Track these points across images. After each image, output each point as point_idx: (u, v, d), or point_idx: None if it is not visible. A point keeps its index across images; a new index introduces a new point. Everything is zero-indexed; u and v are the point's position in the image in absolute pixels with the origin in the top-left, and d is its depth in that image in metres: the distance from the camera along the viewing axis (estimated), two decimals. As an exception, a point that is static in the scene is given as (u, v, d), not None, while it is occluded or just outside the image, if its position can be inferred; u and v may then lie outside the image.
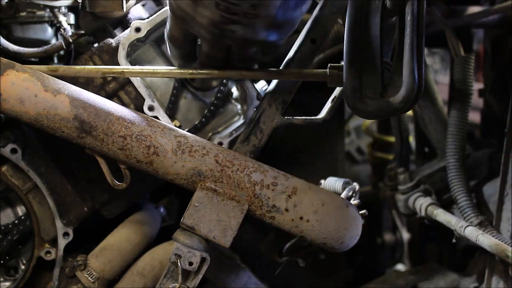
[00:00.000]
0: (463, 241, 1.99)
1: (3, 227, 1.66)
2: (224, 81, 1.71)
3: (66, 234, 1.64)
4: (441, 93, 2.09)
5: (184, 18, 1.33)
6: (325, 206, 1.47)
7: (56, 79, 1.46)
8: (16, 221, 1.68)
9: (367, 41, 1.35)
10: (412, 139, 2.46)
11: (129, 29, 1.61)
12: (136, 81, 1.62)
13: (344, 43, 1.37)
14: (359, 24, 1.35)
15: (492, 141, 2.15)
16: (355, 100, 1.34)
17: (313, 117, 1.59)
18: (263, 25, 1.29)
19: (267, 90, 1.61)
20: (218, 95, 1.70)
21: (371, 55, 1.35)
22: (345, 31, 1.36)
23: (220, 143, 1.61)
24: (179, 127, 1.62)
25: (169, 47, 1.53)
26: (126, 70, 1.53)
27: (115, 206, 1.72)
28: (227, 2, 1.20)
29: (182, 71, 1.50)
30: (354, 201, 1.57)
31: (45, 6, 1.67)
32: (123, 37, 1.61)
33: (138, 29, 1.60)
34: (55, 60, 1.76)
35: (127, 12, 1.69)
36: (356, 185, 1.64)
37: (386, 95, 1.33)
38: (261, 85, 1.77)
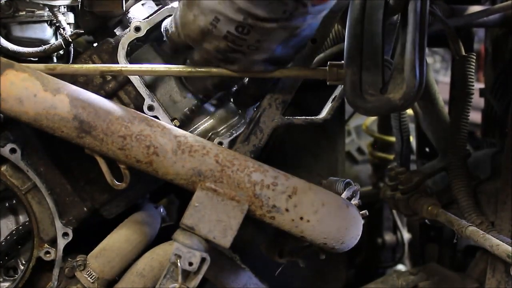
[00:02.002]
0: (464, 241, 1.98)
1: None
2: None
3: (65, 234, 1.64)
4: (442, 92, 2.09)
5: (187, 43, 1.45)
6: (326, 206, 1.46)
7: (56, 78, 1.46)
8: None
9: (369, 38, 1.35)
10: (412, 139, 2.46)
11: (128, 28, 1.61)
12: (136, 80, 1.61)
13: (345, 39, 1.37)
14: (361, 20, 1.35)
15: (493, 141, 2.15)
16: (355, 96, 1.35)
17: (313, 117, 1.59)
18: (262, 57, 1.42)
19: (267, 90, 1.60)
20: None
21: (372, 52, 1.35)
22: (347, 27, 1.37)
23: (220, 143, 1.61)
24: (179, 127, 1.61)
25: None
26: (125, 69, 1.53)
27: (115, 206, 1.72)
28: (235, 36, 1.35)
29: (180, 69, 1.50)
30: (354, 201, 1.57)
31: (45, 6, 1.66)
32: (123, 36, 1.61)
33: (137, 29, 1.59)
34: (55, 60, 1.75)
35: (127, 12, 1.68)
36: (356, 186, 1.63)
37: (387, 92, 1.33)
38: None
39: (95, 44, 1.70)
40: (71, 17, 1.72)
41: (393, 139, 2.63)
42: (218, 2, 1.32)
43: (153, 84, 1.65)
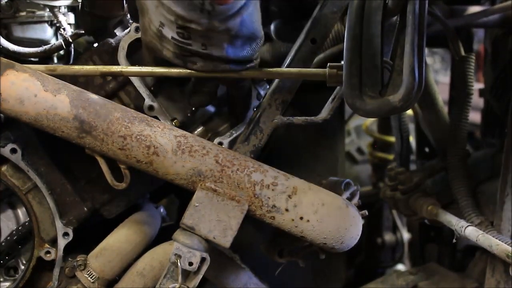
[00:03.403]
0: (464, 241, 1.98)
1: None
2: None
3: (66, 234, 1.64)
4: (442, 93, 2.09)
5: (154, 51, 1.47)
6: (325, 206, 1.47)
7: (56, 79, 1.46)
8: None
9: (368, 40, 1.35)
10: (412, 139, 2.46)
11: (129, 29, 1.61)
12: (136, 81, 1.61)
13: (345, 41, 1.38)
14: (360, 22, 1.35)
15: (492, 141, 2.15)
16: (354, 98, 1.35)
17: (313, 117, 1.59)
18: (219, 59, 1.43)
19: (267, 90, 1.61)
20: None
21: (371, 54, 1.35)
22: (346, 29, 1.37)
23: (220, 143, 1.61)
24: (179, 127, 1.62)
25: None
26: (125, 70, 1.53)
27: (115, 206, 1.72)
28: (181, 42, 1.39)
29: (180, 70, 1.50)
30: (354, 201, 1.57)
31: (45, 6, 1.67)
32: (123, 37, 1.61)
33: (138, 29, 1.60)
34: (55, 60, 1.76)
35: (127, 12, 1.69)
36: (356, 186, 1.64)
37: (386, 94, 1.33)
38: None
39: (95, 45, 1.70)
40: (71, 18, 1.72)
41: (393, 139, 2.63)
42: (156, 5, 1.36)
43: (153, 84, 1.65)
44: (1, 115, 1.63)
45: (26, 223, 1.66)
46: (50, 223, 1.65)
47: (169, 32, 1.38)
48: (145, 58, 1.54)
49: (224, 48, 1.40)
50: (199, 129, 1.68)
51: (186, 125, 1.66)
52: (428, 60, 3.12)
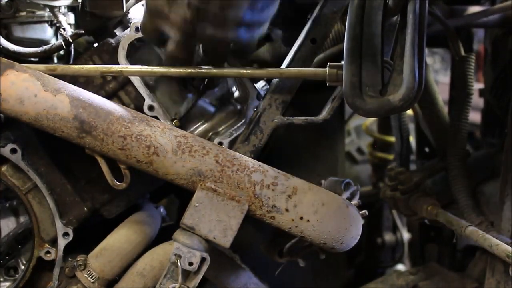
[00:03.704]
0: (464, 241, 1.98)
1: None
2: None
3: (66, 234, 1.64)
4: (442, 93, 2.09)
5: (159, 15, 1.42)
6: (325, 206, 1.47)
7: (56, 79, 1.46)
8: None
9: (368, 39, 1.36)
10: (412, 139, 2.46)
11: (129, 28, 1.61)
12: (136, 80, 1.61)
13: (345, 40, 1.38)
14: (360, 22, 1.36)
15: (492, 141, 2.15)
16: (354, 97, 1.35)
17: (313, 117, 1.59)
18: (232, 25, 1.38)
19: (267, 90, 1.61)
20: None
21: (371, 53, 1.36)
22: (346, 29, 1.38)
23: (220, 143, 1.61)
24: (179, 127, 1.62)
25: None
26: (125, 69, 1.54)
27: (115, 206, 1.72)
28: (197, 5, 1.33)
29: (180, 70, 1.50)
30: (354, 201, 1.57)
31: (45, 6, 1.67)
32: (123, 36, 1.61)
33: (138, 29, 1.60)
34: (55, 60, 1.75)
35: (127, 12, 1.69)
36: (356, 186, 1.64)
37: (386, 93, 1.34)
38: (261, 85, 1.78)
39: (95, 45, 1.70)
40: (71, 18, 1.72)
41: (393, 139, 2.63)
42: None
43: (153, 84, 1.65)
44: (1, 115, 1.63)
45: (28, 222, 1.66)
46: (50, 223, 1.65)
47: None
48: (146, 28, 1.52)
49: (243, 9, 1.36)
50: (203, 126, 1.68)
51: (186, 119, 1.66)
52: (428, 60, 3.12)
